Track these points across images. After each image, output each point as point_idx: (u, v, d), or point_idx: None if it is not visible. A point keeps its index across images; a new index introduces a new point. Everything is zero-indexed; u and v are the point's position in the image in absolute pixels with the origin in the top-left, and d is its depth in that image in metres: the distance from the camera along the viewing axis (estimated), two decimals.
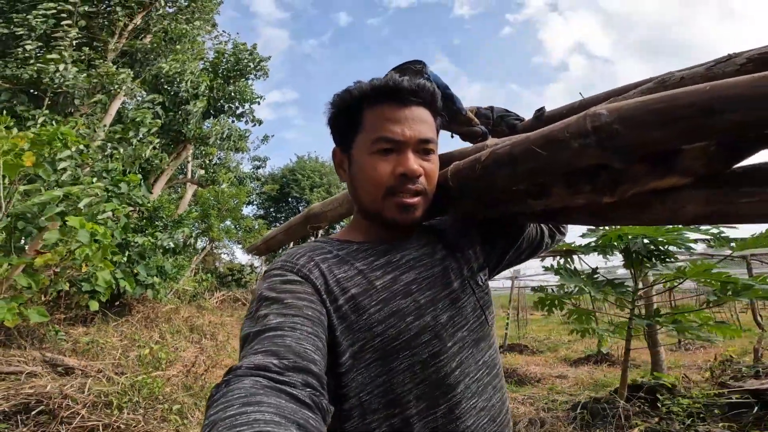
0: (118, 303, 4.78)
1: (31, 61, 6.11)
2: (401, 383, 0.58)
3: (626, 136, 0.44)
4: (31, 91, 6.31)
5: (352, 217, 0.79)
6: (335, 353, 0.57)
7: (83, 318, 4.11)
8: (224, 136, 10.63)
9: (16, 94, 5.99)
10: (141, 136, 6.49)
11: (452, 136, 0.89)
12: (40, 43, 6.25)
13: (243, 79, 11.38)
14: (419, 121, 0.64)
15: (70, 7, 7.08)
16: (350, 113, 0.66)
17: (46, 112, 5.64)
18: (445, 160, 0.71)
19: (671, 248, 2.40)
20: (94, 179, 4.76)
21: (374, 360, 0.58)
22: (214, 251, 18.22)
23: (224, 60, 11.16)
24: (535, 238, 0.82)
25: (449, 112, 0.77)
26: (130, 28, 8.22)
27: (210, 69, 11.17)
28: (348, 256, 0.64)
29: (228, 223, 13.68)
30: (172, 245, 5.27)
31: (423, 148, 0.64)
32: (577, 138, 0.48)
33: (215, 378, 3.36)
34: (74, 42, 6.79)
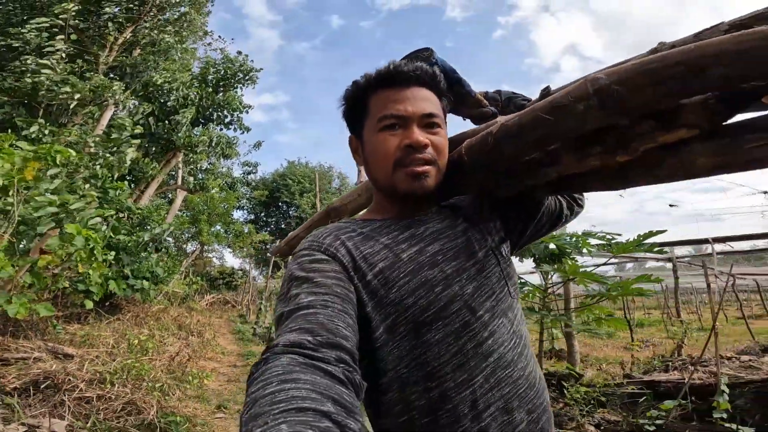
0: (109, 303, 5.14)
1: (28, 75, 6.45)
2: (437, 355, 0.58)
3: (625, 96, 0.48)
4: (26, 101, 6.64)
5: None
6: (368, 329, 0.58)
7: (78, 315, 4.48)
8: (213, 144, 10.97)
9: (15, 106, 6.32)
10: (123, 138, 6.84)
11: (464, 120, 0.89)
12: (36, 58, 6.58)
13: (231, 89, 11.75)
14: (421, 99, 0.67)
15: (61, 21, 7.44)
16: (358, 102, 0.70)
17: (41, 122, 5.98)
18: (459, 140, 0.74)
19: (588, 248, 2.84)
20: (86, 185, 5.14)
21: (408, 333, 0.59)
22: (205, 255, 18.47)
23: (213, 70, 11.52)
24: (554, 211, 0.82)
25: (458, 96, 0.78)
26: (120, 41, 8.58)
27: (199, 78, 11.51)
28: (372, 232, 0.66)
29: (218, 227, 14.00)
30: (146, 238, 5.62)
31: (427, 122, 0.67)
32: (580, 101, 0.51)
33: (196, 367, 3.75)
34: (66, 55, 7.13)
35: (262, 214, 22.19)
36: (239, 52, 11.87)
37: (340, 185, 22.63)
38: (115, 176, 6.51)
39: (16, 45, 6.85)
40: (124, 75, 8.80)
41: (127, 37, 8.68)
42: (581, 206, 0.87)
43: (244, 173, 18.68)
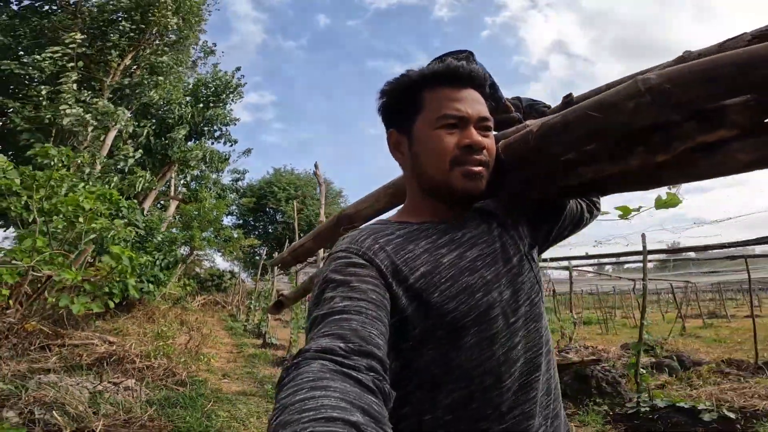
0: (125, 303, 6.18)
1: (44, 103, 7.37)
2: (469, 359, 0.59)
3: (676, 93, 0.50)
4: (40, 126, 7.55)
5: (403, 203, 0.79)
6: (404, 330, 0.58)
7: (99, 314, 5.52)
8: (206, 159, 11.95)
9: (34, 132, 7.26)
10: (127, 161, 7.84)
11: None
12: (50, 87, 7.48)
13: (221, 105, 12.73)
14: (476, 101, 0.67)
15: (71, 51, 8.35)
16: (409, 95, 0.69)
17: (61, 148, 6.95)
18: None
19: None
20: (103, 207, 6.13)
21: (445, 336, 0.59)
22: (196, 259, 19.29)
23: (203, 88, 12.48)
24: (576, 214, 0.83)
25: (493, 99, 0.78)
26: (121, 67, 9.51)
27: (191, 96, 12.45)
28: (410, 235, 0.65)
29: (209, 233, 14.90)
30: (168, 263, 6.68)
31: (483, 125, 0.67)
32: (631, 99, 0.53)
33: (206, 349, 4.82)
34: (75, 83, 8.04)
35: (251, 219, 23.07)
36: (227, 73, 12.82)
37: (325, 191, 23.58)
38: (123, 195, 7.51)
39: (33, 74, 7.75)
40: (125, 96, 9.73)
41: (128, 62, 9.61)
42: (599, 210, 0.89)
43: (232, 180, 19.59)
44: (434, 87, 0.68)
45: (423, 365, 0.59)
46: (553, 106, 0.91)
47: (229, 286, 17.63)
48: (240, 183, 20.42)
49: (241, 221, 22.44)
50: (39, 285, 3.82)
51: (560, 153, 0.66)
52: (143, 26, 9.53)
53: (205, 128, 12.42)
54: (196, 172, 13.75)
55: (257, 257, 19.49)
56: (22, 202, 4.20)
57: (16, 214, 4.37)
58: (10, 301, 3.43)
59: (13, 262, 3.45)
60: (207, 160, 12.10)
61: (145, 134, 9.87)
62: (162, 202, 13.92)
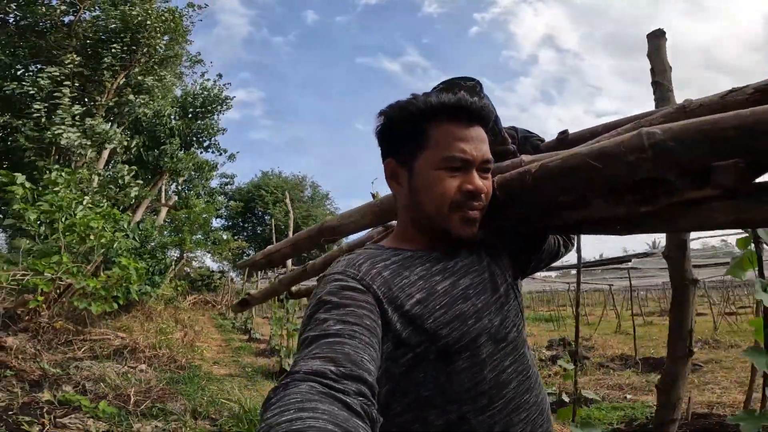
0: (125, 304, 7.03)
1: (42, 120, 8.09)
2: (461, 382, 0.61)
3: (678, 152, 0.50)
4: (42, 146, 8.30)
5: (387, 232, 0.82)
6: (397, 355, 0.59)
7: (107, 314, 6.39)
8: (195, 168, 12.75)
9: (37, 150, 8.02)
10: (124, 179, 8.68)
11: None
12: (47, 105, 8.20)
13: (209, 117, 13.49)
14: (482, 141, 0.67)
15: (67, 70, 9.07)
16: (413, 126, 0.67)
17: (58, 168, 7.72)
18: None
19: None
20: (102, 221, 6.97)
21: (437, 360, 0.61)
22: (187, 260, 20.00)
23: (191, 101, 13.23)
24: (554, 248, 0.87)
25: (493, 132, 0.77)
26: (114, 86, 10.24)
27: (180, 108, 13.19)
28: (405, 262, 0.66)
29: (199, 235, 15.67)
30: (161, 268, 7.54)
31: (484, 167, 0.67)
32: (633, 152, 0.53)
33: (199, 342, 5.73)
34: (70, 101, 8.77)
35: (239, 220, 23.83)
36: (215, 85, 13.56)
37: (312, 194, 24.46)
38: (121, 208, 8.33)
39: (32, 92, 8.45)
40: (117, 114, 10.47)
41: (120, 82, 10.34)
42: (573, 245, 0.94)
43: (221, 184, 20.33)
44: (441, 121, 0.66)
45: (414, 388, 0.61)
46: (546, 140, 0.93)
47: (218, 286, 18.41)
48: (228, 187, 21.31)
49: (230, 223, 23.22)
50: (61, 291, 4.70)
51: (555, 195, 0.67)
52: (134, 48, 10.26)
53: (194, 139, 13.20)
54: (185, 176, 14.55)
55: (246, 257, 20.24)
56: (44, 221, 5.07)
57: (35, 231, 5.23)
58: (43, 305, 4.30)
59: (45, 273, 4.33)
60: (196, 169, 12.89)
61: (136, 147, 10.63)
62: (154, 207, 14.67)
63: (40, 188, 5.50)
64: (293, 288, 2.21)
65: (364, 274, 0.61)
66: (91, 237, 4.79)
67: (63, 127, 7.99)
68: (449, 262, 0.69)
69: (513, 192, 0.69)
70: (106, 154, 9.43)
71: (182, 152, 12.70)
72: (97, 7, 10.34)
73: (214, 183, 19.03)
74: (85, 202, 5.44)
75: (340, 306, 0.55)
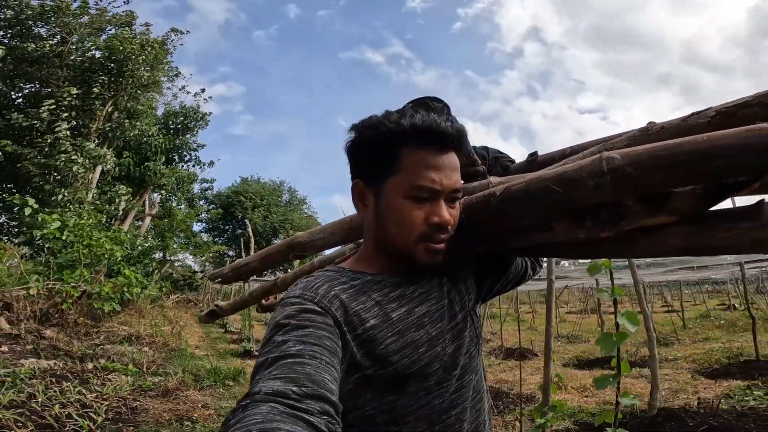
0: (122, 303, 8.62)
1: (47, 149, 9.50)
2: (406, 405, 0.62)
3: (636, 177, 0.51)
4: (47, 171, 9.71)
5: (342, 248, 0.82)
6: (348, 372, 0.60)
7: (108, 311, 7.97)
8: (178, 182, 14.23)
9: (44, 176, 9.45)
10: (120, 197, 10.23)
11: None
12: (52, 136, 9.61)
13: (189, 133, 14.92)
14: (453, 169, 0.66)
15: (66, 103, 10.44)
16: (384, 149, 0.66)
17: (67, 190, 9.20)
18: None
19: None
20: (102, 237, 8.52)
21: (386, 383, 0.62)
22: (171, 265, 21.32)
23: (173, 120, 14.63)
24: (520, 271, 0.88)
25: (463, 153, 0.74)
26: (104, 113, 11.62)
27: (162, 123, 14.57)
28: (364, 287, 0.67)
29: (181, 238, 17.10)
30: (147, 271, 9.15)
31: (452, 196, 0.67)
32: (593, 177, 0.55)
33: (184, 333, 7.40)
34: (68, 131, 10.17)
35: (219, 223, 25.18)
36: (193, 107, 14.97)
37: (289, 198, 25.96)
38: (113, 219, 9.84)
39: (37, 125, 9.82)
40: (108, 137, 11.84)
41: (109, 110, 11.72)
42: (541, 267, 0.96)
43: (201, 189, 21.63)
44: (414, 146, 0.65)
45: (360, 405, 0.61)
46: (516, 162, 0.94)
47: (199, 285, 19.84)
48: (209, 192, 22.60)
49: (210, 226, 24.54)
50: (80, 295, 6.31)
51: (518, 218, 0.68)
52: (120, 79, 11.63)
53: (176, 154, 14.63)
54: (168, 188, 15.96)
55: (226, 258, 21.70)
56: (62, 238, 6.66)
57: (57, 248, 6.80)
58: (70, 306, 5.91)
59: (70, 283, 5.95)
60: (179, 183, 14.37)
61: (124, 164, 12.07)
62: (139, 216, 16.03)
63: (47, 210, 7.10)
64: (264, 301, 2.29)
65: (321, 297, 0.61)
66: (104, 254, 6.42)
67: (64, 155, 9.43)
68: (408, 288, 0.69)
69: (477, 215, 0.70)
70: (98, 172, 10.88)
71: (165, 168, 14.12)
72: (85, 38, 11.64)
73: (195, 188, 20.42)
74: (95, 225, 7.02)
75: (299, 327, 0.55)
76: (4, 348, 4.86)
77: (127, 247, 8.86)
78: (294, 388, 0.44)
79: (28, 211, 6.55)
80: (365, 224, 0.74)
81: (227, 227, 25.24)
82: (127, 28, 12.04)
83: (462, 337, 0.71)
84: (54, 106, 10.32)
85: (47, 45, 10.63)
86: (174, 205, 15.39)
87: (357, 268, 0.72)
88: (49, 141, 9.58)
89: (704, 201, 0.54)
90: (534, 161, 0.90)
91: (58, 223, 6.17)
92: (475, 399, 0.71)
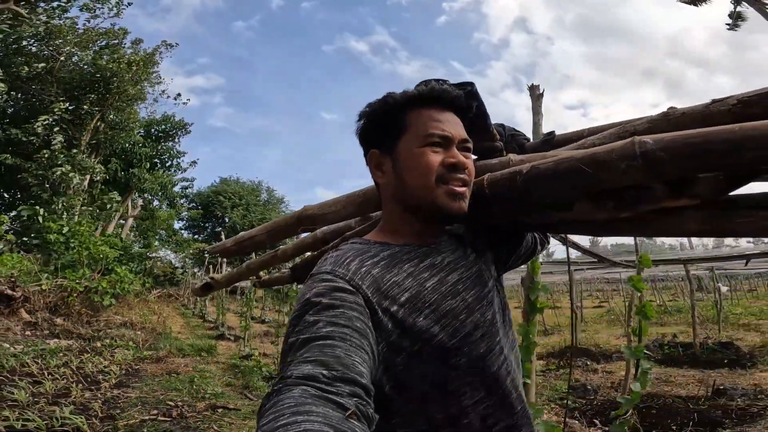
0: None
1: (44, 162, 10.69)
2: (459, 377, 0.62)
3: (668, 162, 0.52)
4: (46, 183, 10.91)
5: (353, 220, 0.82)
6: (393, 353, 0.59)
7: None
8: (159, 187, 15.49)
9: (41, 185, 10.69)
10: (113, 204, 11.57)
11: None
12: (48, 152, 10.80)
13: (170, 141, 16.12)
14: (458, 124, 0.71)
15: (57, 116, 11.59)
16: (392, 116, 0.71)
17: (62, 198, 10.46)
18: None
19: None
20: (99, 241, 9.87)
21: (434, 357, 0.61)
22: (154, 261, 22.42)
23: (155, 128, 15.81)
24: (530, 246, 0.90)
25: (479, 128, 0.79)
26: (92, 126, 12.79)
27: (145, 129, 15.72)
28: (393, 259, 0.67)
29: (163, 233, 18.33)
30: (138, 269, 10.56)
31: (464, 146, 0.71)
32: (624, 160, 0.55)
33: (170, 323, 8.91)
34: (64, 143, 11.35)
35: (200, 220, 26.29)
36: (174, 116, 16.14)
37: (267, 198, 27.21)
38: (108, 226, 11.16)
39: (34, 140, 10.98)
40: (99, 147, 13.03)
41: (98, 124, 12.88)
42: (549, 243, 1.00)
43: (182, 188, 22.70)
44: (418, 108, 0.70)
45: (414, 383, 0.60)
46: (531, 140, 0.96)
47: (180, 281, 21.03)
48: (189, 190, 23.64)
49: (190, 223, 25.60)
50: (82, 290, 7.74)
51: (543, 197, 0.69)
52: (107, 95, 12.78)
53: (159, 160, 15.85)
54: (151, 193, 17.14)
55: (206, 255, 22.90)
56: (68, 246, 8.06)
57: (60, 251, 8.19)
58: (75, 300, 7.35)
59: (73, 280, 7.38)
60: (161, 187, 15.63)
61: (113, 170, 13.30)
62: (123, 217, 17.17)
63: (47, 215, 8.48)
64: (262, 274, 2.17)
65: (353, 274, 0.61)
66: (100, 255, 7.88)
67: (59, 168, 10.66)
68: (437, 258, 0.70)
69: (502, 191, 0.71)
70: (87, 181, 12.12)
71: (149, 173, 15.32)
72: (74, 54, 12.71)
73: (176, 188, 21.48)
74: (92, 231, 8.43)
75: (330, 307, 0.55)
76: (28, 332, 6.30)
77: (119, 249, 10.26)
78: (324, 372, 0.45)
79: (40, 219, 7.95)
80: (385, 191, 0.75)
81: (207, 225, 26.38)
82: (113, 47, 13.17)
83: (494, 305, 0.71)
84: (47, 122, 11.48)
85: (40, 66, 11.73)
86: (155, 204, 16.63)
87: (382, 239, 0.72)
88: (46, 155, 10.80)
89: (726, 186, 0.56)
90: (550, 141, 0.91)
91: (66, 228, 7.58)
92: (519, 369, 0.72)
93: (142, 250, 12.14)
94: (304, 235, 1.31)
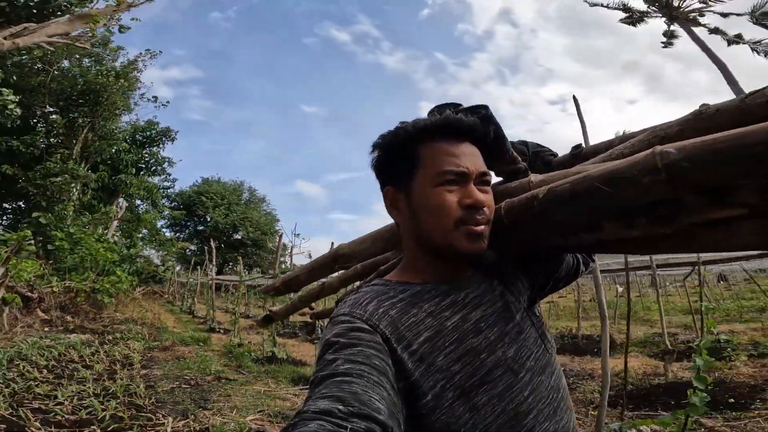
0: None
1: (43, 171, 11.51)
2: (483, 417, 0.60)
3: (694, 173, 0.47)
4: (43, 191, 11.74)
5: (388, 255, 0.81)
6: (415, 396, 0.59)
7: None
8: (147, 191, 16.36)
9: (41, 194, 11.56)
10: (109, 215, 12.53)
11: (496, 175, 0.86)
12: (44, 163, 11.63)
13: (155, 146, 16.94)
14: (475, 156, 0.68)
15: (54, 130, 12.38)
16: (404, 150, 0.68)
17: (58, 206, 11.35)
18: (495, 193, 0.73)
19: None
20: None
21: (456, 398, 0.60)
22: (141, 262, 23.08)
23: (140, 134, 16.59)
24: (572, 267, 0.86)
25: (499, 153, 0.76)
26: (82, 136, 13.58)
27: (130, 136, 16.49)
28: (414, 298, 0.66)
29: (146, 233, 19.07)
30: (133, 270, 11.62)
31: (482, 180, 0.68)
32: (646, 174, 0.50)
33: (164, 318, 10.04)
34: (57, 155, 12.18)
35: (182, 218, 26.96)
36: (158, 123, 16.91)
37: (249, 197, 28.05)
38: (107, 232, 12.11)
39: (32, 150, 11.78)
40: (87, 156, 13.81)
41: (88, 134, 13.67)
42: (594, 261, 0.95)
43: (163, 188, 23.31)
44: (431, 141, 0.68)
45: (438, 428, 0.59)
46: (559, 155, 0.89)
47: (163, 278, 21.82)
48: (170, 191, 24.28)
49: (172, 222, 26.22)
50: (87, 290, 8.82)
51: (564, 220, 0.65)
52: (96, 107, 13.56)
53: (144, 166, 16.67)
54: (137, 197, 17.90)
55: (188, 252, 23.64)
56: (72, 252, 9.08)
57: (64, 255, 9.21)
58: (82, 299, 8.44)
59: (79, 282, 8.48)
60: (147, 192, 16.50)
61: (101, 177, 14.14)
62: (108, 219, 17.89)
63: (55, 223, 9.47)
64: (314, 306, 2.47)
65: (370, 315, 0.62)
66: (102, 259, 8.99)
67: (65, 176, 11.52)
68: (459, 295, 0.69)
69: (520, 217, 0.68)
70: (78, 186, 12.98)
71: (135, 178, 16.12)
72: (65, 63, 13.39)
73: (156, 180, 22.00)
74: (101, 239, 9.49)
75: (348, 346, 0.56)
76: (46, 329, 7.40)
77: (117, 253, 11.30)
78: (340, 407, 0.45)
79: (51, 226, 8.95)
80: (403, 230, 0.74)
81: (189, 223, 27.08)
82: (97, 55, 13.85)
83: (523, 338, 0.69)
84: (43, 132, 12.28)
85: (35, 79, 12.44)
86: (139, 203, 17.49)
87: (403, 279, 0.72)
88: (48, 165, 11.65)
89: None
90: (578, 155, 0.85)
91: (74, 235, 8.63)
92: (554, 399, 0.68)
93: (132, 252, 13.09)
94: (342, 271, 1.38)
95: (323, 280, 1.65)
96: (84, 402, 3.43)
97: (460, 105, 0.76)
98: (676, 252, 0.63)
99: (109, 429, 2.96)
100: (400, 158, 0.70)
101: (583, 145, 0.90)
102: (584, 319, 10.77)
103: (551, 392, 0.68)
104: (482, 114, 0.73)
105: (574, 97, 2.44)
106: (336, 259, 1.20)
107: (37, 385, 3.72)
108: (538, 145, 0.93)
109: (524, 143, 0.91)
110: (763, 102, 0.55)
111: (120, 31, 12.75)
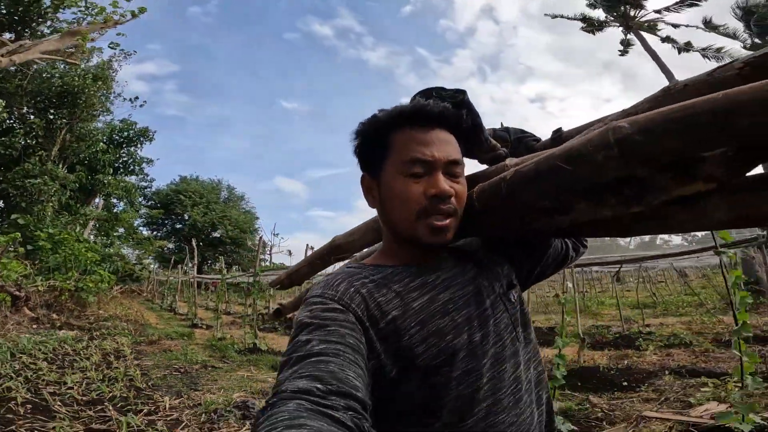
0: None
1: (22, 173, 11.63)
2: (438, 396, 0.62)
3: (648, 146, 0.47)
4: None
5: (380, 244, 0.82)
6: (382, 372, 0.60)
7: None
8: (125, 191, 16.50)
9: (21, 195, 11.69)
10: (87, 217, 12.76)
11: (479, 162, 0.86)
12: (22, 165, 11.76)
13: (132, 146, 17.03)
14: (445, 143, 0.67)
15: (33, 132, 12.46)
16: (377, 138, 0.69)
17: (36, 206, 11.54)
18: (468, 181, 0.73)
19: None
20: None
21: (417, 376, 0.62)
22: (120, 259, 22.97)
23: (117, 135, 16.67)
24: (560, 253, 0.85)
25: (476, 141, 0.77)
26: (60, 137, 13.66)
27: (108, 136, 16.55)
28: (384, 279, 0.67)
29: (122, 231, 19.14)
30: (111, 269, 11.95)
31: (451, 170, 0.67)
32: (600, 150, 0.50)
33: (145, 316, 10.48)
34: (36, 156, 12.30)
35: (160, 217, 26.83)
36: (135, 123, 17.02)
37: (228, 195, 28.15)
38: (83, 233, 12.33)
39: (12, 152, 11.86)
40: (65, 157, 13.89)
41: (66, 135, 13.75)
42: (585, 247, 0.92)
43: (141, 188, 23.19)
44: (400, 128, 0.68)
45: (397, 401, 0.61)
46: (542, 140, 0.90)
47: (140, 277, 21.85)
48: (147, 190, 24.15)
49: (149, 220, 26.05)
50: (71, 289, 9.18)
51: (532, 201, 0.65)
52: (74, 109, 13.64)
53: (122, 166, 16.76)
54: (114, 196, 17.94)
55: (166, 251, 23.64)
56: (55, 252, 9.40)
57: (47, 256, 9.51)
58: (67, 297, 8.81)
59: (63, 281, 8.85)
60: (126, 191, 16.63)
61: (79, 178, 14.25)
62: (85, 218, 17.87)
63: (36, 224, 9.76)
64: None
65: (341, 294, 0.62)
66: (83, 259, 9.38)
67: (44, 177, 11.67)
68: (429, 276, 0.69)
69: (490, 200, 0.68)
70: (56, 187, 13.12)
71: (113, 178, 16.19)
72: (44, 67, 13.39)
73: (134, 179, 21.94)
74: (80, 239, 9.82)
75: (322, 327, 0.56)
76: (34, 326, 7.79)
77: (98, 252, 11.59)
78: (319, 386, 0.45)
79: (26, 227, 9.23)
80: (379, 216, 0.75)
81: (167, 221, 26.99)
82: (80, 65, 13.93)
83: (492, 324, 0.68)
84: (21, 133, 12.36)
85: (13, 82, 12.45)
86: (115, 202, 17.60)
87: (377, 262, 0.73)
88: (27, 167, 11.78)
89: (741, 165, 0.49)
90: (558, 138, 0.83)
91: (56, 237, 8.98)
92: (516, 391, 0.67)
93: (111, 251, 13.37)
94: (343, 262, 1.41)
95: (325, 271, 1.66)
96: (92, 386, 4.03)
97: (443, 89, 0.76)
98: (654, 233, 0.64)
99: (118, 405, 3.59)
100: (375, 145, 0.71)
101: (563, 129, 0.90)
102: (543, 313, 11.86)
103: (514, 383, 0.67)
104: (458, 99, 0.74)
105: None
106: (332, 249, 1.23)
107: (45, 374, 4.28)
108: (521, 131, 0.93)
109: (506, 129, 0.92)
110: (733, 76, 0.55)
111: (110, 47, 13.00)
